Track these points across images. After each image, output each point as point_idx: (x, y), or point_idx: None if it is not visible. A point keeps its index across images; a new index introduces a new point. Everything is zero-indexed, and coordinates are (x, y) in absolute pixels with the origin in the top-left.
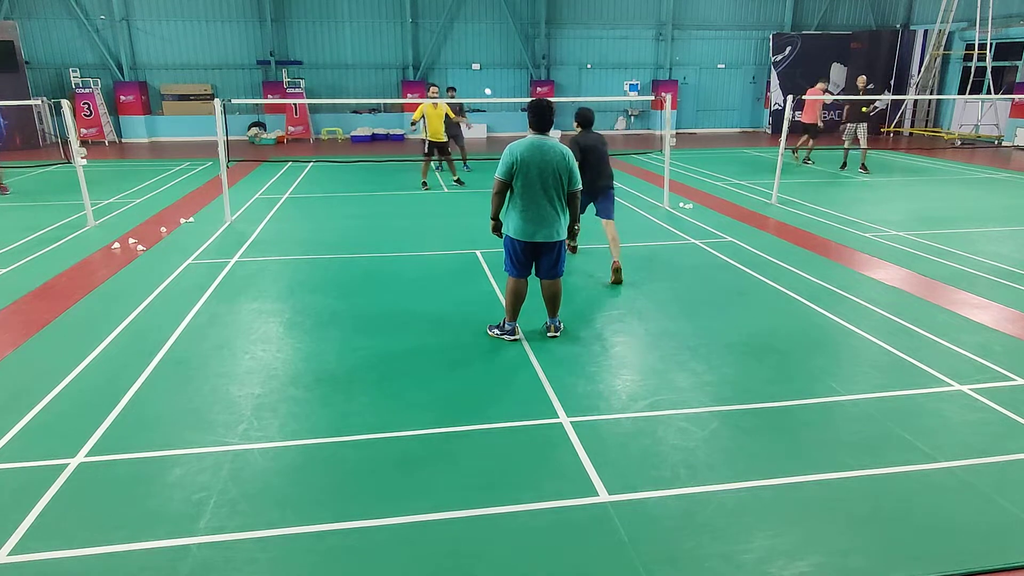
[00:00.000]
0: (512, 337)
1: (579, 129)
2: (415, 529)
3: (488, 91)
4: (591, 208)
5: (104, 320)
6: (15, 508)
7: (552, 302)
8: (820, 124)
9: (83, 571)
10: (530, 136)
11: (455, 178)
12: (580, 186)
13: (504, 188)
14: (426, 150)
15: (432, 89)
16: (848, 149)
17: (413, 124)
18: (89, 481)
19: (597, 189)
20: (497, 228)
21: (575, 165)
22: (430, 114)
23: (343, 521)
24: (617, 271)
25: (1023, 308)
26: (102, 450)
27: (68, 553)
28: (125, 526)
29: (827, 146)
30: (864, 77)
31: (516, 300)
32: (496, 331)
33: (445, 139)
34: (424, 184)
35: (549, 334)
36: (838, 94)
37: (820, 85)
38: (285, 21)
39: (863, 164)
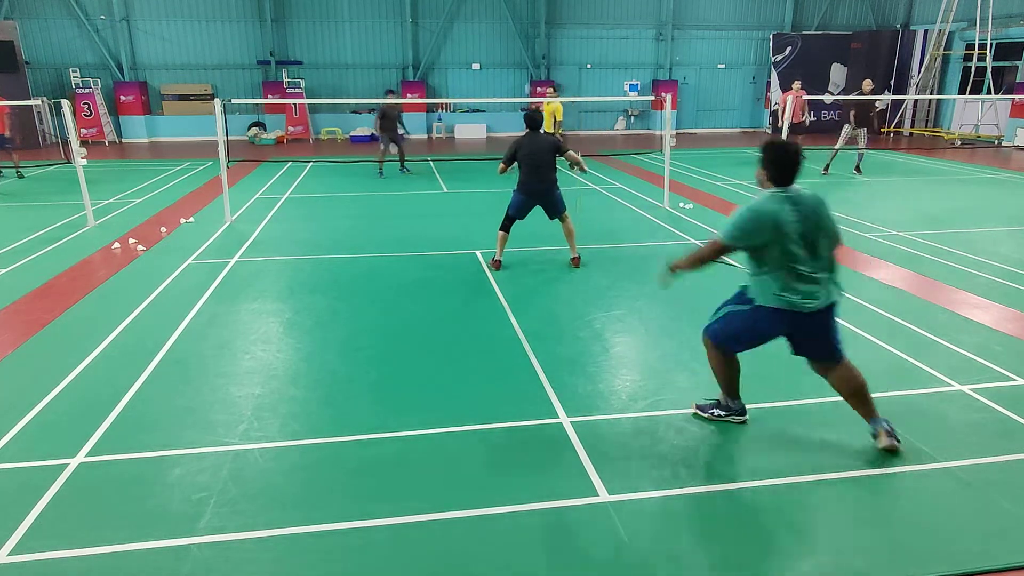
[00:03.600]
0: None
1: (526, 131)
2: (415, 529)
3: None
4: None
5: (104, 320)
6: (15, 508)
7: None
8: (807, 122)
9: (83, 571)
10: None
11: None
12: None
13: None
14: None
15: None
16: (839, 149)
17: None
18: (89, 481)
19: (534, 192)
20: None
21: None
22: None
23: (343, 521)
24: (576, 260)
25: (1023, 308)
26: (102, 450)
27: (68, 553)
28: (125, 526)
29: (827, 146)
30: (869, 80)
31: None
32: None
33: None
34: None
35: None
36: (838, 95)
37: (796, 84)
38: (285, 21)
39: (857, 166)
